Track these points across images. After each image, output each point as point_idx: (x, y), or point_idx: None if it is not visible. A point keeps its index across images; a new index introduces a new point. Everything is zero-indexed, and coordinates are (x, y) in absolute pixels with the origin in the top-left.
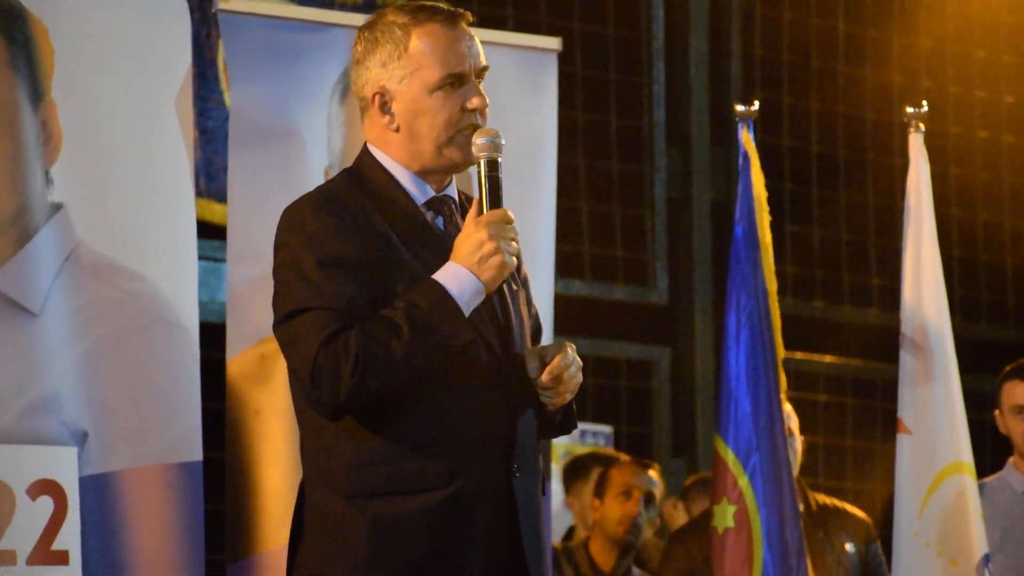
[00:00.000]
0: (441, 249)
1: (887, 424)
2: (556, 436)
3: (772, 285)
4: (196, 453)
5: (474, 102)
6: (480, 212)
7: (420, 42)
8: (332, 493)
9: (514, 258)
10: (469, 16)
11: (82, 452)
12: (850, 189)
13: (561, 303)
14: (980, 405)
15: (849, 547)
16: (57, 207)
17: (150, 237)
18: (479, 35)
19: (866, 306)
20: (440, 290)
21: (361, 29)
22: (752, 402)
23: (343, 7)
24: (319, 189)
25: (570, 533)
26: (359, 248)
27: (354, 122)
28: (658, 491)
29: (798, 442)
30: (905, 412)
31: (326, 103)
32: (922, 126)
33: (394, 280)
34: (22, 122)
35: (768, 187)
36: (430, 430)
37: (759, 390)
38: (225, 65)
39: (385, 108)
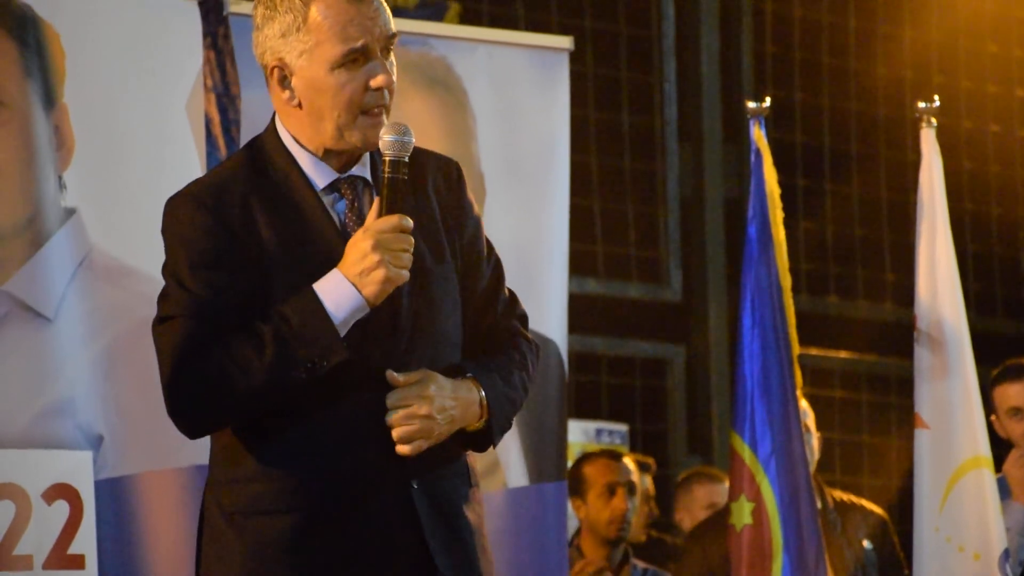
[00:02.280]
0: (331, 244)
1: (903, 419)
2: (468, 448)
3: (786, 281)
4: None
5: (379, 80)
6: (380, 215)
7: (320, 14)
8: (216, 507)
9: (404, 271)
10: None
11: (97, 456)
12: (863, 185)
13: (575, 302)
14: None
15: (867, 543)
16: (70, 212)
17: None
18: (491, 35)
19: (880, 301)
20: (315, 304)
21: None
22: (768, 398)
23: None
24: (204, 179)
25: (575, 535)
26: (236, 247)
27: None
28: (635, 476)
29: (814, 438)
30: (922, 407)
31: None
32: (934, 121)
33: (276, 279)
34: (35, 127)
35: (781, 183)
36: (303, 446)
37: (775, 386)
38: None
39: (284, 82)
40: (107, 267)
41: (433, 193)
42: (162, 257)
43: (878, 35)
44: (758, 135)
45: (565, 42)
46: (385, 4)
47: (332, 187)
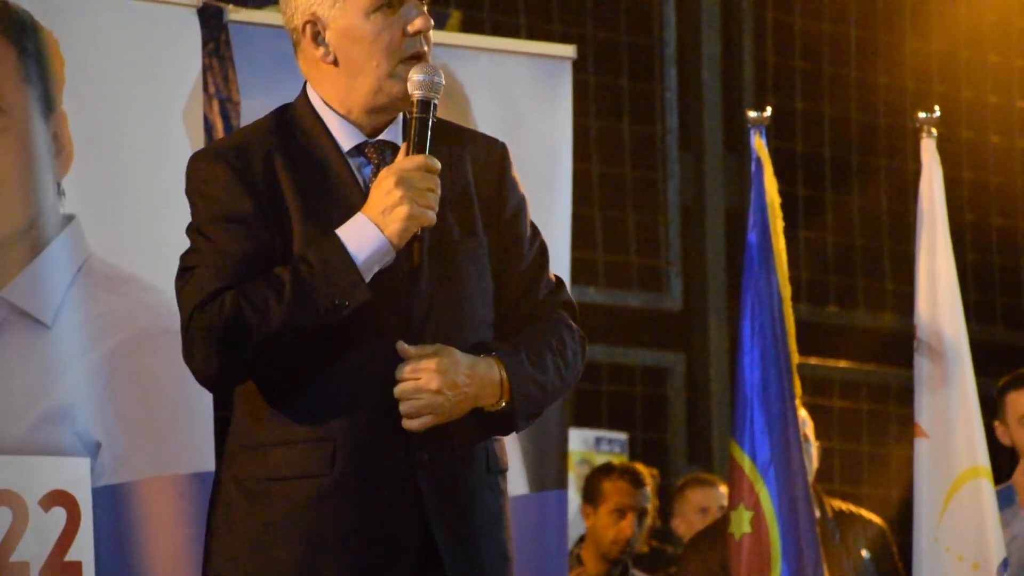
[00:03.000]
0: (355, 206)
1: (902, 429)
2: (491, 433)
3: (786, 291)
4: (209, 463)
5: (417, 23)
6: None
7: None
8: (228, 475)
9: (429, 211)
10: None
11: (95, 463)
12: (863, 194)
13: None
14: (995, 409)
15: (865, 553)
16: (69, 218)
17: (162, 247)
18: (492, 43)
19: (880, 311)
20: (335, 244)
21: None
22: (767, 408)
23: None
24: (227, 139)
25: (580, 540)
26: (257, 202)
27: None
28: (649, 504)
29: (813, 448)
30: (922, 416)
31: None
32: (935, 131)
33: (293, 242)
34: (34, 134)
35: (781, 193)
36: (320, 410)
37: (774, 395)
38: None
39: (318, 38)
40: (106, 274)
41: (471, 168)
42: (160, 264)
43: (879, 44)
44: (759, 144)
45: (567, 50)
46: None
47: (358, 150)
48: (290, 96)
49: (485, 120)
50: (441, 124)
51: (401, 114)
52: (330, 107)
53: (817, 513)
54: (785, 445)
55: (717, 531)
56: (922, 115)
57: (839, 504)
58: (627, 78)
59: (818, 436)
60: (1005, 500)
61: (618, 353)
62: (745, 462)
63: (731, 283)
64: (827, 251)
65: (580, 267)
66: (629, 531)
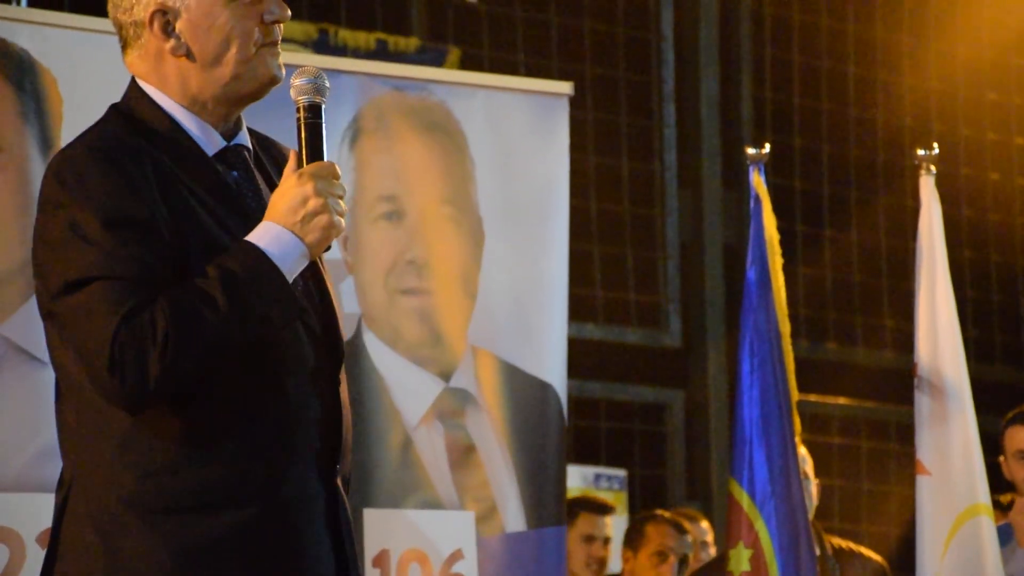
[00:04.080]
0: (244, 209)
1: (902, 466)
2: None
3: (785, 327)
4: None
5: (276, 14)
6: (300, 165)
7: None
8: (118, 503)
9: (342, 219)
10: None
11: None
12: (862, 231)
13: (574, 347)
14: (994, 447)
15: None
16: None
17: None
18: (490, 80)
19: (880, 348)
20: (258, 254)
21: None
22: (766, 445)
23: (356, 53)
24: (95, 133)
25: None
26: (149, 205)
27: (364, 166)
28: (691, 551)
29: (813, 485)
30: (923, 453)
31: (336, 148)
32: (933, 168)
33: (194, 244)
34: (32, 171)
35: (780, 229)
36: (245, 429)
37: (773, 433)
38: None
39: (168, 29)
40: None
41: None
42: None
43: (878, 82)
44: (757, 181)
45: (565, 87)
46: None
47: (221, 156)
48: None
49: (482, 156)
50: (261, 137)
51: (241, 118)
52: (180, 105)
53: (817, 551)
54: (785, 482)
55: (715, 569)
56: (921, 152)
57: (839, 542)
58: (625, 115)
59: (818, 473)
60: (1004, 538)
61: (616, 389)
62: (744, 499)
63: (730, 320)
64: (826, 288)
65: (578, 303)
66: (669, 574)
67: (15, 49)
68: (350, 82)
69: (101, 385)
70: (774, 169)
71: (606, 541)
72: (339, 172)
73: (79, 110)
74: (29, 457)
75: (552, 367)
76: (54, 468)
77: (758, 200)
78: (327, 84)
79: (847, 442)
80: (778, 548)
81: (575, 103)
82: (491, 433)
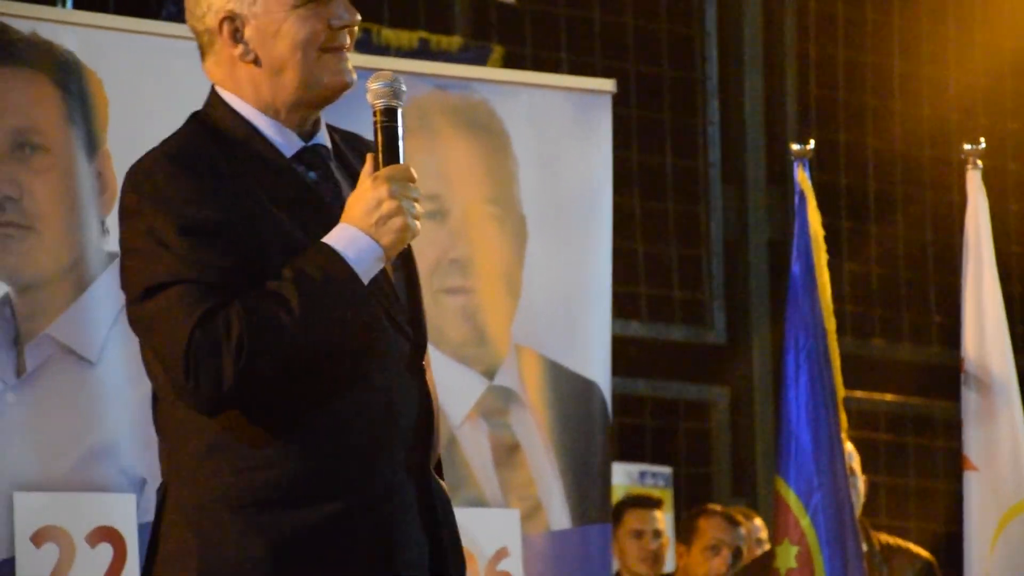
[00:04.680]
0: (322, 209)
1: (949, 462)
2: None
3: (831, 324)
4: None
5: (344, 18)
6: (376, 168)
7: None
8: (214, 501)
9: (418, 222)
10: None
11: (141, 499)
12: (908, 227)
13: (619, 344)
14: None
15: None
16: (113, 256)
17: None
18: (533, 78)
19: (926, 344)
20: (333, 256)
21: None
22: (813, 441)
23: (398, 52)
24: (172, 142)
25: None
26: (225, 211)
27: None
28: (744, 544)
29: (860, 481)
30: (971, 449)
31: None
32: (980, 163)
33: (270, 248)
34: (78, 173)
35: (825, 225)
36: (336, 422)
37: (819, 429)
38: None
39: (236, 36)
40: None
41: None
42: None
43: (923, 77)
44: (802, 177)
45: (608, 84)
46: None
47: (299, 158)
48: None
49: (525, 155)
50: (345, 133)
51: (320, 118)
52: (256, 110)
53: (864, 547)
54: (831, 479)
55: (763, 566)
56: (967, 147)
57: (886, 538)
58: (669, 112)
59: (864, 469)
60: None
61: (661, 387)
62: (790, 497)
63: (775, 316)
64: (872, 284)
65: (623, 301)
66: (723, 568)
67: (61, 51)
68: None
69: (178, 388)
70: (819, 165)
71: (656, 533)
72: (415, 175)
73: (125, 111)
74: (78, 457)
75: (596, 365)
76: (103, 468)
77: (803, 196)
78: (403, 88)
79: (894, 438)
80: (825, 544)
81: (618, 100)
82: (535, 431)
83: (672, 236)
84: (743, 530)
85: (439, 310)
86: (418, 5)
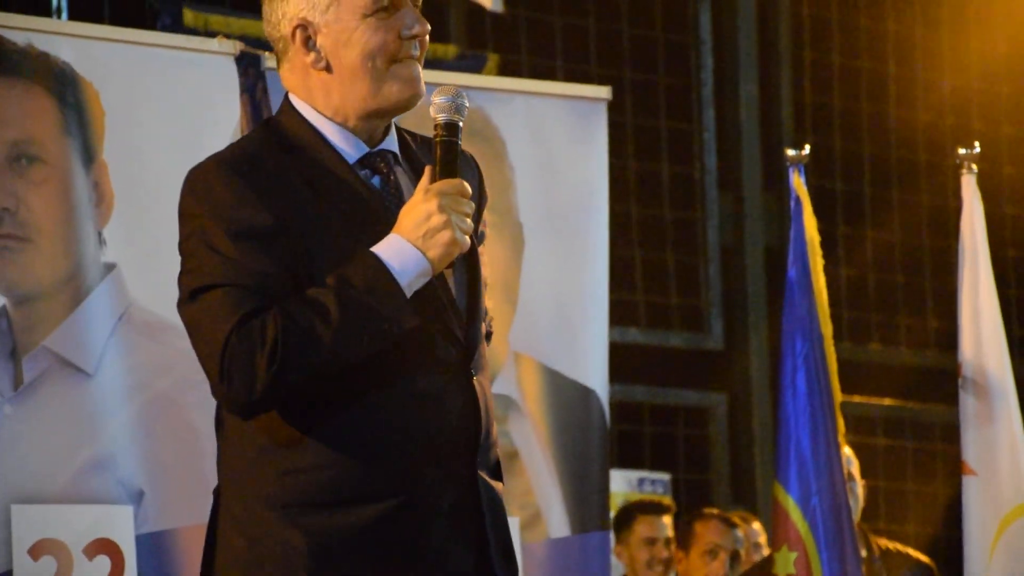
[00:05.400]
0: (379, 216)
1: (947, 467)
2: None
3: (827, 329)
4: None
5: (414, 29)
6: (433, 180)
7: None
8: (259, 503)
9: (467, 237)
10: None
11: (138, 510)
12: (904, 231)
13: (616, 351)
14: None
15: None
16: (110, 267)
17: None
18: (528, 86)
19: (923, 348)
20: (378, 266)
21: None
22: (811, 447)
23: None
24: (231, 148)
25: None
26: (276, 217)
27: None
28: (742, 546)
29: (858, 487)
30: (969, 454)
31: None
32: (975, 167)
33: (320, 255)
34: (75, 184)
35: (821, 231)
36: (379, 427)
37: (817, 435)
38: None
39: (309, 44)
40: (147, 322)
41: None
42: None
43: (918, 81)
44: (798, 183)
45: (603, 92)
46: None
47: (363, 162)
48: None
49: (521, 162)
50: (415, 137)
51: (393, 123)
52: (325, 117)
53: (863, 553)
54: (829, 484)
55: (761, 571)
56: (962, 151)
57: (885, 543)
58: (664, 119)
59: (863, 474)
60: None
61: (660, 393)
62: (789, 502)
63: (772, 322)
64: (868, 288)
65: (620, 308)
66: (721, 571)
67: (57, 62)
68: None
69: (214, 390)
70: (815, 170)
71: (668, 541)
72: (468, 190)
73: (121, 122)
74: (76, 469)
75: (594, 372)
76: (101, 480)
77: (799, 202)
78: (466, 103)
79: (892, 443)
80: (823, 550)
81: (614, 108)
82: (533, 439)
83: (669, 243)
84: (740, 532)
85: None
86: None
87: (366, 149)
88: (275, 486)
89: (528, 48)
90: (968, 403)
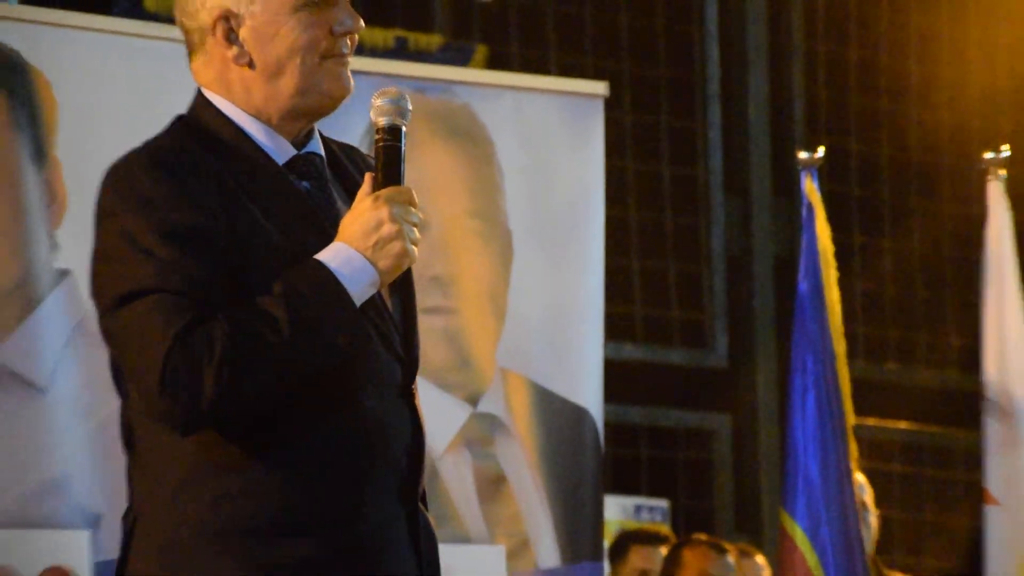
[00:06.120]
0: (316, 222)
1: (969, 495)
2: None
3: (841, 346)
4: None
5: (347, 24)
6: (375, 188)
7: None
8: (192, 533)
9: (416, 248)
10: None
11: (96, 535)
12: (925, 242)
13: (611, 368)
14: None
15: None
16: (64, 273)
17: None
18: (519, 81)
19: (944, 368)
20: (328, 276)
21: None
22: (821, 473)
23: (373, 52)
24: (152, 143)
25: None
26: (209, 217)
27: None
28: (733, 572)
29: (872, 516)
30: (992, 482)
31: None
32: (1002, 172)
33: (255, 259)
34: (24, 183)
35: (835, 240)
36: (326, 451)
37: (828, 460)
38: None
39: (231, 36)
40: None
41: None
42: None
43: (942, 79)
44: (810, 188)
45: (600, 87)
46: None
47: (290, 166)
48: None
49: (511, 164)
50: (343, 145)
51: (314, 125)
52: (247, 114)
53: None
54: (841, 513)
55: None
56: (989, 155)
57: None
58: (666, 116)
59: (877, 504)
60: None
61: (658, 415)
62: (797, 532)
63: (780, 338)
64: (885, 303)
65: (616, 322)
66: None
67: (6, 50)
68: (367, 83)
69: (151, 405)
70: (829, 174)
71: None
72: (416, 199)
73: (75, 115)
74: (27, 491)
75: (588, 391)
76: (54, 503)
77: (811, 208)
78: (409, 106)
79: (909, 470)
80: None
81: (611, 104)
82: (522, 462)
83: (670, 251)
84: (731, 559)
85: (419, 331)
86: (395, 1)
87: (293, 152)
88: (208, 514)
89: (519, 39)
90: (992, 427)
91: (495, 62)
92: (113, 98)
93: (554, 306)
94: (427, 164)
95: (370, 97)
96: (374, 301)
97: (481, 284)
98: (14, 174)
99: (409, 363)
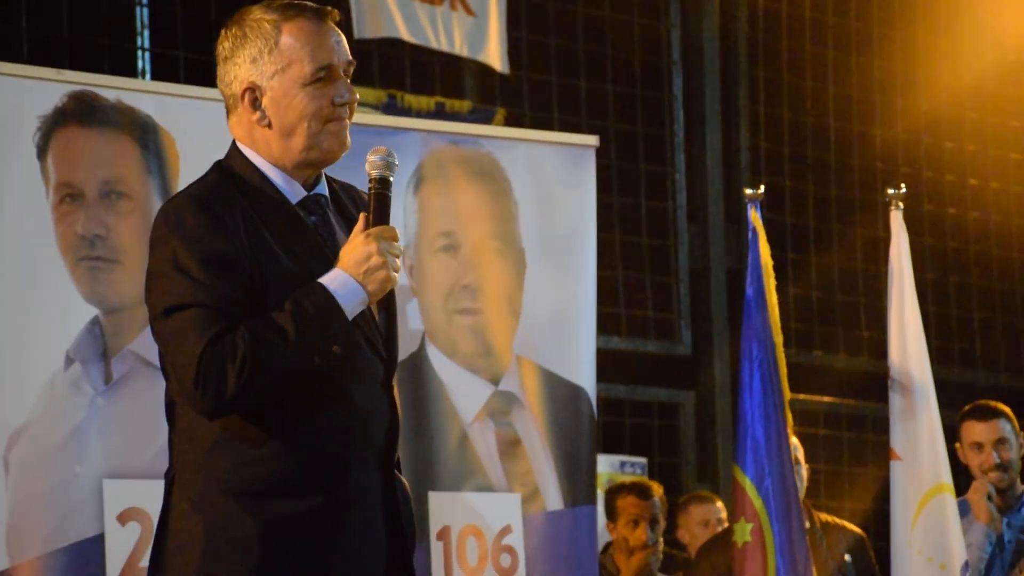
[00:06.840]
0: (319, 251)
1: (877, 453)
2: None
3: (778, 338)
4: None
5: (345, 97)
6: (367, 226)
7: (290, 37)
8: (217, 490)
9: (397, 275)
10: (336, 14)
11: None
12: (842, 257)
13: (602, 356)
14: (953, 437)
15: (847, 557)
16: None
17: None
18: (530, 135)
19: (858, 355)
20: (326, 294)
21: (227, 27)
22: (764, 436)
23: (418, 114)
24: (195, 186)
25: (607, 547)
26: (238, 248)
27: (426, 207)
28: (660, 511)
29: (803, 469)
30: (896, 442)
31: (403, 193)
32: (901, 204)
33: (272, 281)
34: (153, 215)
35: (773, 256)
36: (320, 430)
37: (770, 426)
38: None
39: (255, 104)
40: None
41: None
42: None
43: (854, 133)
44: (754, 216)
45: (592, 140)
46: (342, 34)
47: (303, 204)
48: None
49: (523, 198)
50: (343, 184)
51: (321, 171)
52: (268, 163)
53: (807, 524)
54: (779, 467)
55: (723, 539)
56: (890, 191)
57: (825, 516)
58: (643, 162)
59: (807, 459)
60: (962, 512)
61: (638, 391)
62: (746, 482)
63: (732, 332)
64: (812, 304)
65: (605, 319)
66: (643, 537)
67: (140, 114)
68: (414, 138)
69: (187, 395)
70: (768, 206)
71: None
72: (398, 236)
73: (193, 164)
74: (156, 449)
75: (584, 373)
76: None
77: (755, 232)
78: (396, 162)
79: (831, 433)
80: (775, 521)
81: (601, 153)
82: (533, 428)
83: (646, 265)
84: (656, 499)
85: (453, 328)
86: (435, 75)
87: (304, 192)
88: (231, 476)
89: (530, 103)
90: (895, 400)
91: (511, 120)
92: (221, 150)
93: (557, 307)
94: (459, 198)
95: (417, 144)
96: (364, 314)
97: (501, 290)
98: (147, 209)
99: (389, 361)
